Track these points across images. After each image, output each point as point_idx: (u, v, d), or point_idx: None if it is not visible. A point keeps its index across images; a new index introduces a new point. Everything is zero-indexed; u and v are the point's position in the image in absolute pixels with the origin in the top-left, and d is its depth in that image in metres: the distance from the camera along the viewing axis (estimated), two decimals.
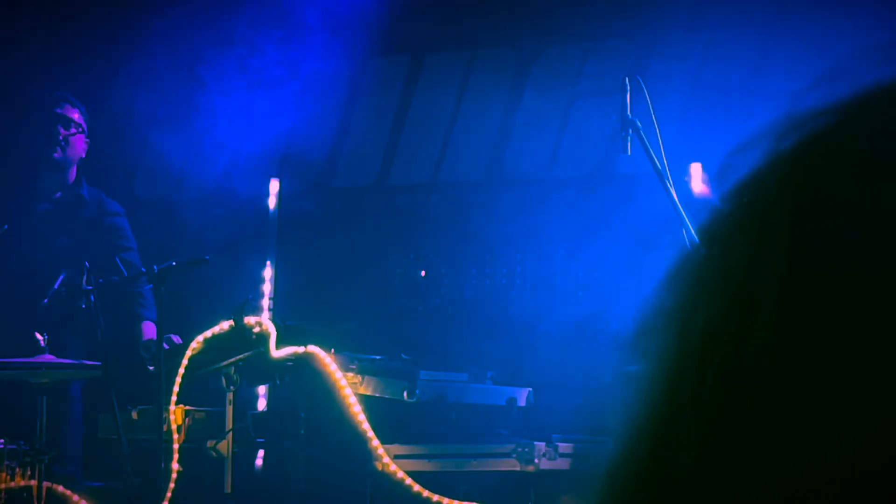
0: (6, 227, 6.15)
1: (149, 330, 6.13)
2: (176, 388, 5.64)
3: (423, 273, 7.12)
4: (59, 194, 6.50)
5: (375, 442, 5.45)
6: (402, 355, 5.93)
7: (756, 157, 0.84)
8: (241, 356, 5.61)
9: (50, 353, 5.63)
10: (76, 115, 6.47)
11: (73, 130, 6.44)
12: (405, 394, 5.59)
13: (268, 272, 7.34)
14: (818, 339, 0.75)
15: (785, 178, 0.81)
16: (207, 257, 5.90)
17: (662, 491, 0.80)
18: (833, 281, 0.76)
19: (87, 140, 6.50)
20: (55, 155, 6.44)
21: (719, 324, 0.78)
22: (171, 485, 5.55)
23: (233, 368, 5.61)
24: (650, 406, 0.82)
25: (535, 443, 5.44)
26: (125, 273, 5.84)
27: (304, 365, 5.55)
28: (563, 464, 5.49)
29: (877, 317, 0.74)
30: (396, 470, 5.43)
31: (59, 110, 6.45)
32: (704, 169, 6.53)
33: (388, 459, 5.44)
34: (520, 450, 5.41)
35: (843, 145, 0.82)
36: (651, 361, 0.82)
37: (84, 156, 6.51)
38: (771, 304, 0.77)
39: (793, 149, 0.83)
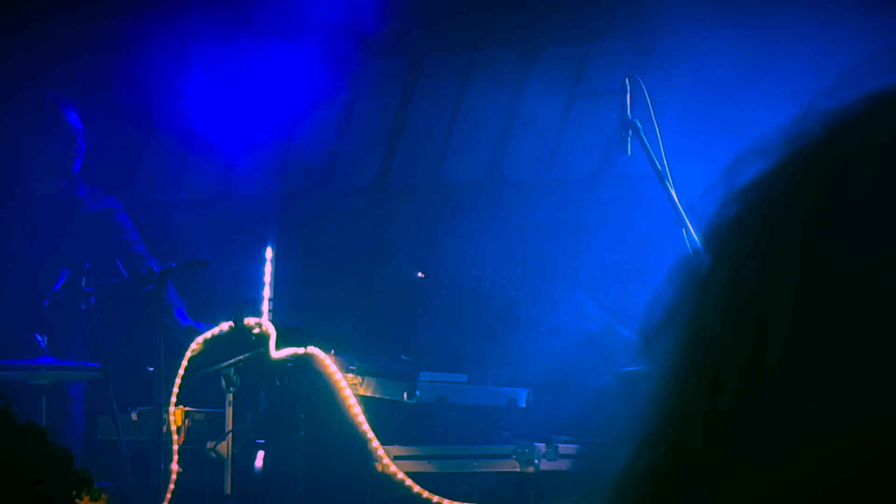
0: None
1: (183, 317, 6.13)
2: (176, 390, 5.63)
3: (420, 274, 7.11)
4: (56, 195, 6.49)
5: (375, 443, 5.45)
6: (402, 356, 5.93)
7: (756, 167, 0.82)
8: (240, 357, 5.60)
9: (50, 354, 5.64)
10: (78, 120, 6.47)
11: (80, 139, 6.44)
12: (405, 395, 5.59)
13: (268, 273, 7.34)
14: (836, 348, 0.74)
15: (797, 185, 0.80)
16: (207, 258, 5.90)
17: (672, 500, 0.79)
18: (850, 289, 0.75)
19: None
20: (73, 168, 6.44)
21: (732, 335, 0.77)
22: (171, 486, 5.55)
23: (233, 369, 5.61)
24: (659, 413, 0.81)
25: (536, 444, 5.44)
26: (125, 274, 5.84)
27: (304, 366, 5.55)
28: (563, 465, 5.49)
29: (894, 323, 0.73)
30: (396, 471, 5.42)
31: (69, 119, 6.43)
32: (704, 170, 6.53)
33: (388, 460, 5.44)
34: (520, 451, 5.40)
35: (860, 149, 0.80)
36: (660, 366, 0.81)
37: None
38: (786, 316, 0.75)
39: (804, 154, 0.82)
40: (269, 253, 7.34)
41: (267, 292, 7.25)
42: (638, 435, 0.83)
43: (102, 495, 1.63)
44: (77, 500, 1.59)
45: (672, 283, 0.82)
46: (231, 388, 5.61)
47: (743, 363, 0.76)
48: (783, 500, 0.74)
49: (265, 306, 7.15)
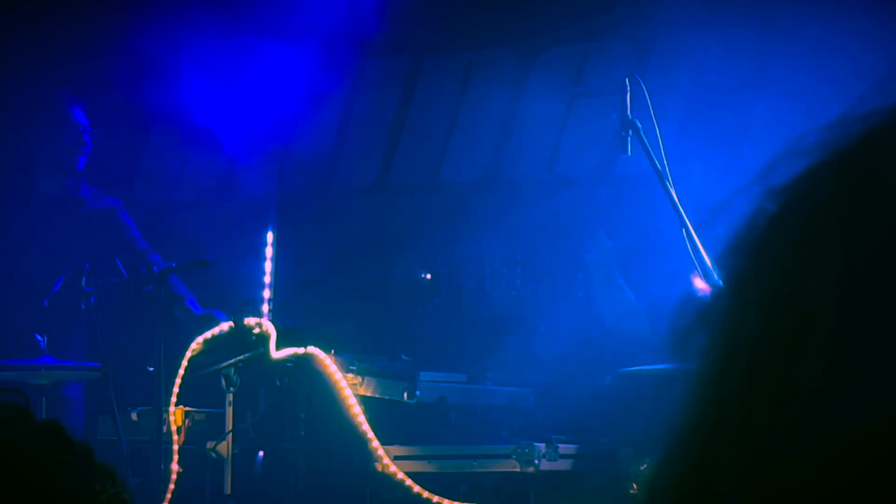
0: None
1: (195, 306, 6.13)
2: (176, 390, 5.63)
3: (427, 276, 7.10)
4: (59, 196, 6.50)
5: (375, 443, 5.45)
6: (402, 356, 5.92)
7: (792, 169, 0.82)
8: (240, 357, 5.60)
9: (50, 354, 5.63)
10: (85, 118, 6.48)
11: (86, 136, 6.45)
12: (405, 395, 5.59)
13: (268, 273, 7.34)
14: (875, 349, 0.73)
15: (836, 187, 0.79)
16: (207, 258, 5.90)
17: (705, 500, 0.78)
18: (889, 291, 0.74)
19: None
20: (78, 164, 6.44)
21: (771, 336, 0.76)
22: (171, 486, 5.55)
23: (233, 369, 5.61)
24: (692, 413, 0.80)
25: (536, 444, 5.43)
26: (125, 274, 5.84)
27: (304, 366, 5.55)
28: (563, 465, 5.49)
29: None
30: (396, 471, 5.43)
31: (76, 116, 6.43)
32: (704, 171, 6.53)
33: (388, 460, 5.44)
34: (520, 451, 5.40)
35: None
36: (692, 365, 0.81)
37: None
38: (827, 318, 0.75)
39: (843, 157, 0.81)
40: (269, 253, 7.34)
41: (267, 292, 7.25)
42: (670, 434, 0.82)
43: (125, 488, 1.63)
44: (101, 495, 1.59)
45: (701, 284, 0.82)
46: (231, 388, 5.61)
47: (782, 364, 0.76)
48: (818, 500, 0.73)
49: (265, 306, 7.15)
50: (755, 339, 0.78)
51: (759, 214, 0.81)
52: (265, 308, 7.11)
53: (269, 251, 7.29)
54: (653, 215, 6.03)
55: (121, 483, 1.61)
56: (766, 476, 0.75)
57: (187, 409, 5.70)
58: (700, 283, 5.47)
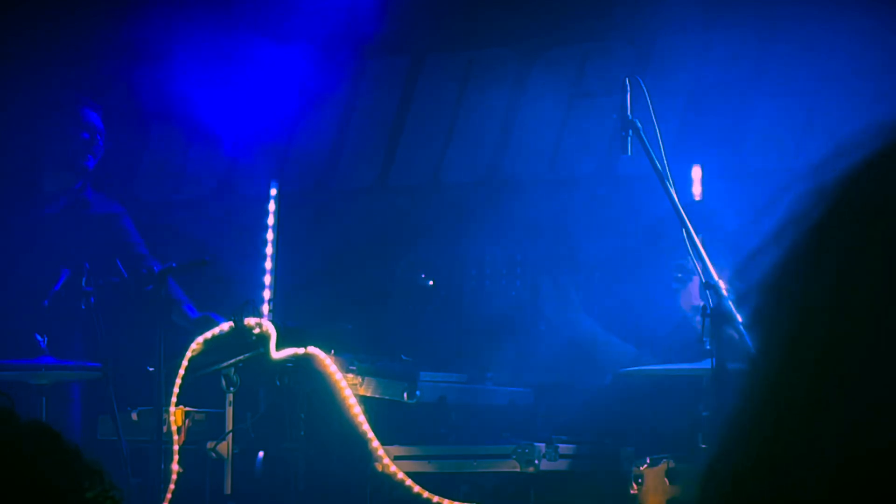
0: None
1: (192, 311, 6.13)
2: (176, 390, 5.63)
3: (430, 283, 7.09)
4: (64, 197, 6.50)
5: (375, 443, 5.45)
6: (402, 356, 5.92)
7: (769, 259, 0.81)
8: (241, 357, 5.60)
9: (50, 354, 5.63)
10: (98, 119, 6.48)
11: (98, 136, 6.45)
12: (405, 395, 5.59)
13: (267, 273, 7.33)
14: None
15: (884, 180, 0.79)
16: (208, 258, 5.90)
17: (772, 495, 0.76)
18: None
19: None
20: (87, 163, 6.44)
21: (846, 326, 0.75)
22: (171, 486, 5.55)
23: (233, 369, 5.61)
24: (755, 406, 0.79)
25: (536, 444, 5.43)
26: (125, 274, 5.84)
27: (304, 366, 5.54)
28: (563, 465, 5.49)
29: None
30: (397, 471, 5.43)
31: (85, 115, 6.44)
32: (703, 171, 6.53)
33: (388, 460, 5.44)
34: (520, 451, 5.40)
35: None
36: (760, 361, 0.79)
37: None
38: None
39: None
40: (269, 252, 7.34)
41: (267, 292, 7.25)
42: (730, 427, 0.81)
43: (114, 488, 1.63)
44: (88, 492, 1.59)
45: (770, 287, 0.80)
46: (231, 388, 5.61)
47: (857, 354, 0.75)
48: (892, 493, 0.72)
49: (265, 306, 7.15)
50: (827, 330, 0.77)
51: (815, 211, 0.80)
52: (265, 308, 7.11)
53: (269, 251, 7.29)
54: (653, 215, 6.03)
55: (108, 481, 1.61)
56: (842, 470, 0.74)
57: (187, 409, 5.70)
58: (694, 290, 5.47)
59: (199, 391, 5.79)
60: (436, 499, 5.36)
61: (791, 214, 0.81)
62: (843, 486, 0.74)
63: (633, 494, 5.29)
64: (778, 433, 0.77)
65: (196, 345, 5.69)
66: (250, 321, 5.63)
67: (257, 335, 5.59)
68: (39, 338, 5.61)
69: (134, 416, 5.86)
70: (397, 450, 5.53)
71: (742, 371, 0.81)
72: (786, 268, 0.80)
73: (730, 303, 4.79)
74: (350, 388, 5.51)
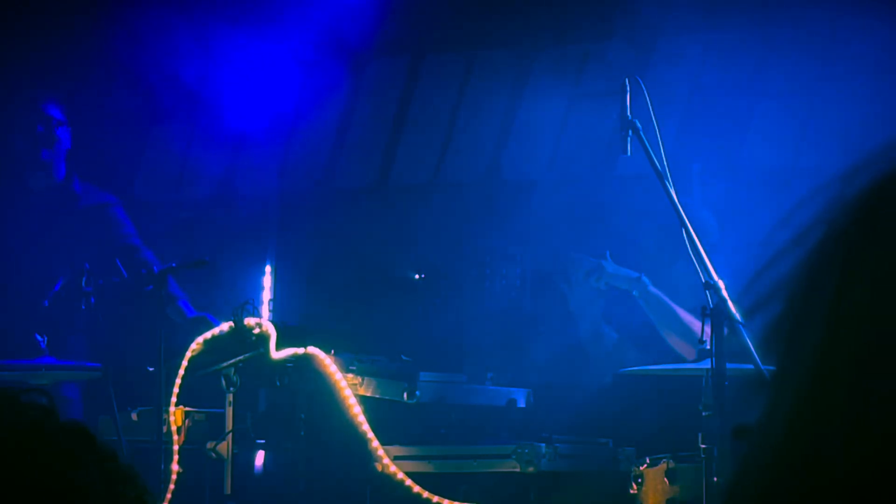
0: None
1: (188, 308, 6.13)
2: (176, 390, 5.63)
3: (417, 276, 7.10)
4: (50, 193, 6.50)
5: (375, 443, 5.45)
6: (402, 356, 5.92)
7: (771, 281, 0.80)
8: (241, 357, 5.60)
9: (50, 354, 5.63)
10: (55, 109, 6.47)
11: (54, 125, 6.44)
12: (405, 395, 5.59)
13: (268, 273, 7.34)
14: None
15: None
16: (207, 258, 5.90)
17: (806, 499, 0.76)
18: None
19: (69, 129, 6.50)
20: (43, 156, 6.44)
21: (885, 325, 0.74)
22: (171, 486, 5.55)
23: (233, 369, 5.61)
24: (784, 411, 0.78)
25: (536, 444, 5.43)
26: (125, 274, 5.84)
27: (304, 366, 5.54)
28: (563, 465, 5.48)
29: None
30: (396, 471, 5.42)
31: (43, 108, 6.45)
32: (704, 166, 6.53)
33: (387, 460, 5.44)
34: (520, 451, 5.40)
35: None
36: (786, 377, 0.78)
37: (70, 146, 6.51)
38: None
39: None
40: (268, 253, 7.34)
41: (267, 292, 7.25)
42: (755, 447, 0.79)
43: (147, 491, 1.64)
44: (124, 497, 1.59)
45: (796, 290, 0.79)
46: (231, 388, 5.61)
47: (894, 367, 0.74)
48: None
49: (265, 306, 7.15)
50: (863, 331, 0.76)
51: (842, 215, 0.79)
52: (265, 308, 7.11)
53: (268, 251, 7.29)
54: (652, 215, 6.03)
55: (143, 486, 1.61)
56: (879, 472, 0.73)
57: (187, 409, 5.70)
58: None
59: (199, 391, 5.79)
60: (436, 499, 5.36)
61: (813, 224, 0.80)
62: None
63: (633, 494, 5.29)
64: (814, 451, 0.76)
65: (196, 345, 5.69)
66: (250, 321, 5.63)
67: (257, 335, 5.59)
68: (39, 338, 5.61)
69: (134, 416, 5.86)
70: (397, 450, 5.53)
71: (766, 387, 0.80)
72: (813, 280, 0.79)
73: (729, 303, 4.79)
74: (350, 388, 5.51)
